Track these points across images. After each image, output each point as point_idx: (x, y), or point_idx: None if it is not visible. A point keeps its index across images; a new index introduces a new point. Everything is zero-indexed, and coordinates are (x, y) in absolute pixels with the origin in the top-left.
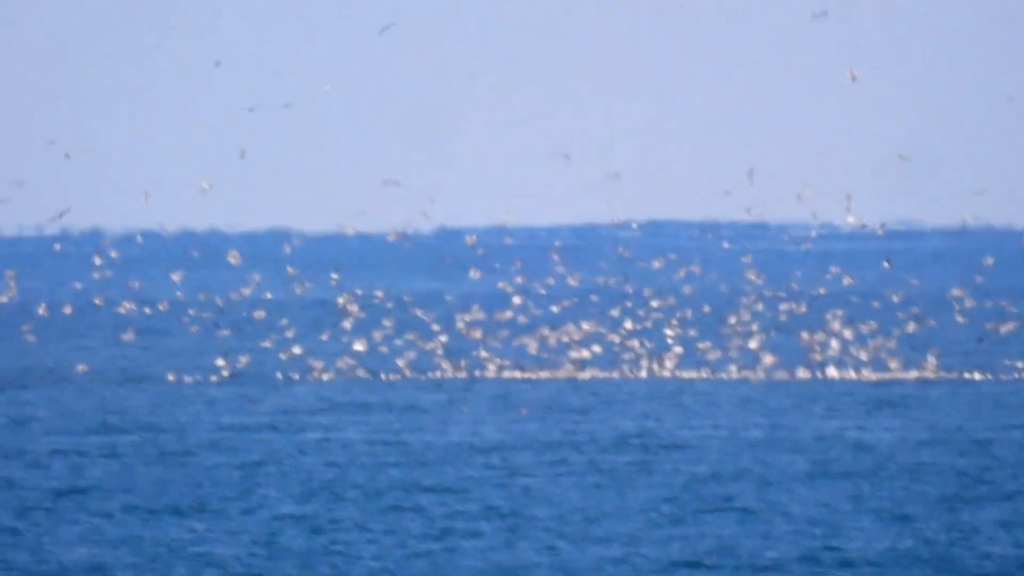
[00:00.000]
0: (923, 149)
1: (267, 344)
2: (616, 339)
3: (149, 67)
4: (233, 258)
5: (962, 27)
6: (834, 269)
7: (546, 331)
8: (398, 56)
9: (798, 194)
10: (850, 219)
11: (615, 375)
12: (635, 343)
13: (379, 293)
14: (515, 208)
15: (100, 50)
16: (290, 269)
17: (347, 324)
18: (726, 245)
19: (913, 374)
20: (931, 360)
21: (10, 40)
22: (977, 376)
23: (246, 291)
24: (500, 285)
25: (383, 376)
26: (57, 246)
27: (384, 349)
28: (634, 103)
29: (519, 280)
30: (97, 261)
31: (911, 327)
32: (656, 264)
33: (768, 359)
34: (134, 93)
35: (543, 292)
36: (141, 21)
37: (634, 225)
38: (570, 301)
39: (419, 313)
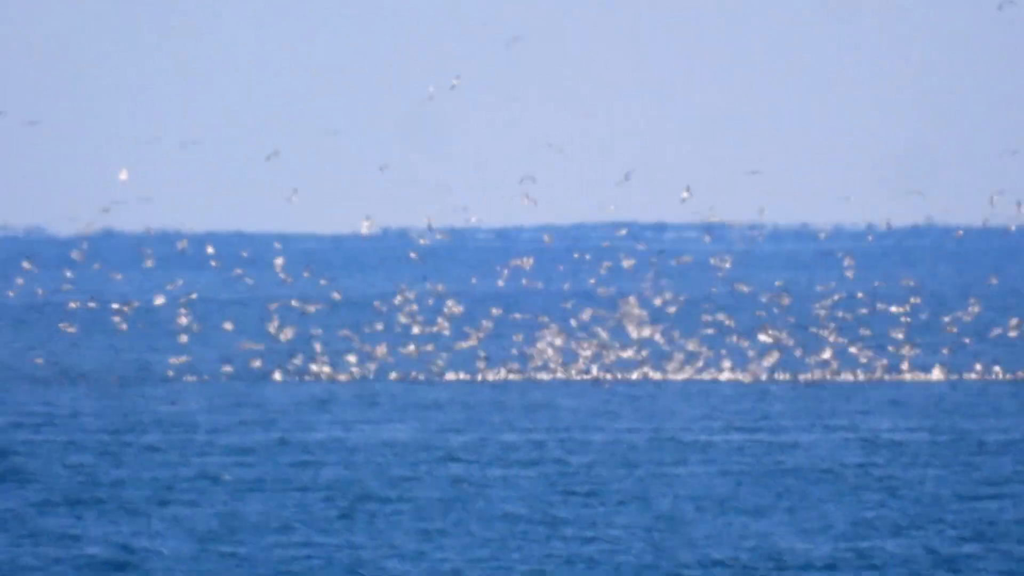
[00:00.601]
0: (926, 148)
1: (268, 344)
2: (615, 342)
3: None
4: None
5: (962, 27)
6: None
7: (548, 331)
8: (398, 56)
9: (683, 195)
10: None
11: (614, 377)
12: (637, 346)
13: (410, 293)
14: (516, 208)
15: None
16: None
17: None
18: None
19: (920, 374)
20: (937, 360)
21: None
22: (991, 376)
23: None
24: (432, 287)
25: (391, 376)
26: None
27: (391, 349)
28: (634, 103)
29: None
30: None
31: (918, 326)
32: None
33: (773, 360)
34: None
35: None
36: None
37: (623, 231)
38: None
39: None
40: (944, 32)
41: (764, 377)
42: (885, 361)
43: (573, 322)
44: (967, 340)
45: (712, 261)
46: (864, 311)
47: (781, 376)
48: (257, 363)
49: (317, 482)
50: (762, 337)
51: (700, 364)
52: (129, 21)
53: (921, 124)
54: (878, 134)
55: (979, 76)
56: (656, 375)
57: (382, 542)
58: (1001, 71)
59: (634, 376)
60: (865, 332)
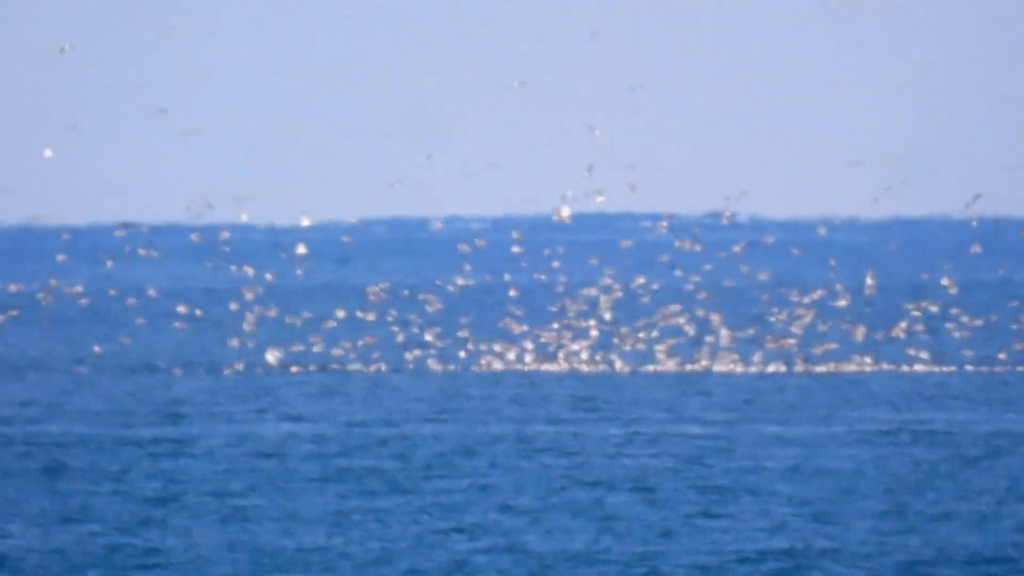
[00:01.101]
0: (924, 149)
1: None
2: (614, 334)
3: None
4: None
5: (962, 27)
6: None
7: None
8: (398, 56)
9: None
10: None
11: (608, 369)
12: (636, 338)
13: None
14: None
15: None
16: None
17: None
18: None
19: (942, 366)
20: (932, 350)
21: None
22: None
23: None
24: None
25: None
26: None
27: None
28: (634, 103)
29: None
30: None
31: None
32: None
33: (771, 352)
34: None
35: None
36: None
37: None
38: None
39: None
40: (944, 32)
41: (762, 369)
42: (872, 352)
43: (572, 313)
44: (963, 332)
45: (681, 248)
46: (860, 303)
47: (780, 368)
48: (267, 353)
49: (330, 474)
50: (754, 330)
51: (694, 356)
52: (129, 21)
53: (921, 124)
54: (878, 134)
55: (979, 76)
56: (660, 367)
57: (399, 534)
58: (1001, 71)
59: (638, 368)
60: (863, 324)
